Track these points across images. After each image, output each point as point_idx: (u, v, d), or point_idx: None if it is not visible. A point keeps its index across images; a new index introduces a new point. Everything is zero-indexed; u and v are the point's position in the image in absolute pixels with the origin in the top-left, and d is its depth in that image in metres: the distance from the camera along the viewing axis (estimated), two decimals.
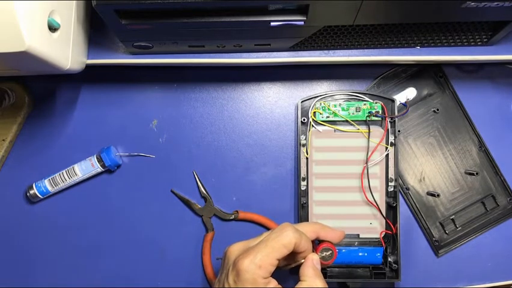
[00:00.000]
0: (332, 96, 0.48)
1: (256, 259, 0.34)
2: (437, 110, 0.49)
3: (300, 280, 0.37)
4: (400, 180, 0.49)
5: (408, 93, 0.50)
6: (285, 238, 0.36)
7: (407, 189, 0.49)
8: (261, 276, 0.34)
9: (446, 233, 0.49)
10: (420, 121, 0.50)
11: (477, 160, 0.49)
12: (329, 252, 0.40)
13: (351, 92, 0.48)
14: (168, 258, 0.51)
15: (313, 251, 0.39)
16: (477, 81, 0.50)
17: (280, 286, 0.36)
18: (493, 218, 0.49)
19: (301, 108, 0.48)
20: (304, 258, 0.38)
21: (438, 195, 0.49)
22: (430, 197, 0.49)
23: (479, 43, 0.44)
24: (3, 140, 0.50)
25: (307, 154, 0.48)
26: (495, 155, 0.49)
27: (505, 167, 0.49)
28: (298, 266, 0.39)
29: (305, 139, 0.48)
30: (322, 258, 0.39)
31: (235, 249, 0.38)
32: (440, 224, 0.49)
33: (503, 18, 0.39)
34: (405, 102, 0.49)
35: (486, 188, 0.49)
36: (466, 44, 0.44)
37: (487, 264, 0.49)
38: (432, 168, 0.49)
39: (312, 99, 0.48)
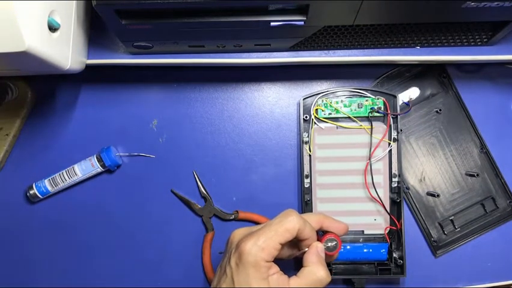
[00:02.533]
0: (333, 93, 0.48)
1: (259, 241, 0.34)
2: (440, 110, 0.49)
3: (303, 266, 0.37)
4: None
5: (412, 93, 0.49)
6: (289, 223, 0.36)
7: (407, 188, 0.49)
8: (264, 259, 0.34)
9: (444, 234, 0.49)
10: (422, 121, 0.50)
11: (478, 162, 0.49)
12: (333, 243, 0.40)
13: (353, 89, 0.48)
14: (168, 258, 0.51)
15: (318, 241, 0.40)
16: (477, 82, 0.50)
17: (281, 272, 0.36)
18: (492, 220, 0.49)
19: (303, 106, 0.48)
20: (308, 247, 0.38)
21: (438, 196, 0.49)
22: (430, 197, 0.49)
23: (479, 43, 0.44)
24: (7, 134, 0.51)
25: (310, 151, 0.48)
26: (496, 157, 0.49)
27: (505, 170, 0.49)
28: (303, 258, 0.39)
29: (307, 136, 0.48)
30: (326, 248, 0.39)
31: (239, 233, 0.38)
32: (439, 224, 0.49)
33: (503, 18, 0.39)
34: (408, 101, 0.49)
35: (486, 190, 0.49)
36: (466, 44, 0.44)
37: (486, 265, 0.49)
38: (433, 169, 0.49)
39: (314, 97, 0.48)
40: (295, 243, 0.39)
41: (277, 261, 0.37)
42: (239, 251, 0.35)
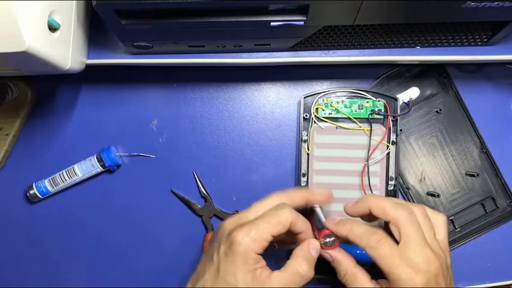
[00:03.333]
0: (334, 93, 0.48)
1: (252, 232, 0.34)
2: (440, 110, 0.49)
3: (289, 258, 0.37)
4: (400, 180, 0.49)
5: (412, 93, 0.50)
6: (281, 215, 0.35)
7: (407, 188, 0.49)
8: (254, 250, 0.34)
9: None
10: (422, 121, 0.50)
11: (478, 162, 0.49)
12: (331, 239, 0.39)
13: (354, 89, 0.48)
14: (168, 258, 0.51)
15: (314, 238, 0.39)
16: (477, 81, 0.50)
17: (267, 267, 0.35)
18: (492, 220, 0.49)
19: (304, 104, 0.48)
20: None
21: (438, 196, 0.49)
22: (430, 197, 0.49)
23: (479, 43, 0.44)
24: (7, 134, 0.51)
25: (308, 150, 0.48)
26: (496, 157, 0.49)
27: (505, 170, 0.49)
28: None
29: (307, 135, 0.48)
30: (324, 244, 0.38)
31: (230, 222, 0.37)
32: None
33: (503, 18, 0.39)
34: (408, 101, 0.49)
35: (486, 190, 0.49)
36: (466, 44, 0.44)
37: (486, 265, 0.49)
38: (433, 169, 0.49)
39: (314, 96, 0.48)
40: (291, 236, 0.38)
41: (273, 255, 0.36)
42: (230, 240, 0.34)
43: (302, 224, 0.37)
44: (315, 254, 0.37)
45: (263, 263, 0.35)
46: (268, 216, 0.36)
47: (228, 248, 0.34)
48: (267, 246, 0.35)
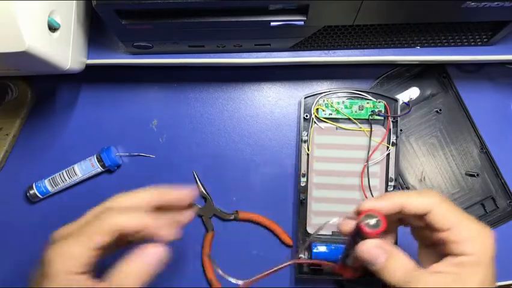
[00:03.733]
0: (335, 94, 0.48)
1: (65, 248, 0.29)
2: (440, 110, 0.49)
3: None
4: (401, 180, 0.49)
5: (412, 93, 0.50)
6: (103, 222, 0.29)
7: (407, 188, 0.49)
8: (72, 271, 0.28)
9: None
10: (422, 121, 0.50)
11: (478, 162, 0.49)
12: (373, 220, 0.30)
13: (355, 90, 0.48)
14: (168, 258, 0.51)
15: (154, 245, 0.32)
16: (477, 81, 0.50)
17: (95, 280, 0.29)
18: (492, 220, 0.49)
19: (305, 105, 0.48)
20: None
21: None
22: None
23: (479, 43, 0.44)
24: (7, 134, 0.51)
25: (308, 150, 0.48)
26: (496, 157, 0.49)
27: (505, 170, 0.49)
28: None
29: (307, 135, 0.48)
30: (366, 225, 0.30)
31: (59, 231, 0.32)
32: None
33: (503, 18, 0.39)
34: (408, 101, 0.49)
35: (486, 190, 0.49)
36: (466, 44, 0.44)
37: None
38: (433, 169, 0.49)
39: (315, 96, 0.48)
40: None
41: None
42: (43, 260, 0.29)
43: (135, 223, 0.30)
44: (146, 268, 0.30)
45: (89, 283, 0.29)
46: (90, 224, 0.30)
47: (42, 270, 0.29)
48: (94, 259, 0.29)
